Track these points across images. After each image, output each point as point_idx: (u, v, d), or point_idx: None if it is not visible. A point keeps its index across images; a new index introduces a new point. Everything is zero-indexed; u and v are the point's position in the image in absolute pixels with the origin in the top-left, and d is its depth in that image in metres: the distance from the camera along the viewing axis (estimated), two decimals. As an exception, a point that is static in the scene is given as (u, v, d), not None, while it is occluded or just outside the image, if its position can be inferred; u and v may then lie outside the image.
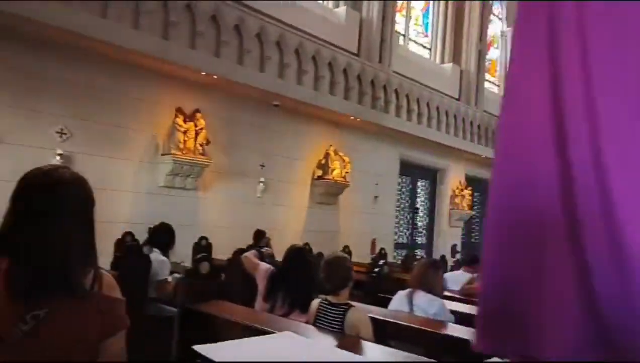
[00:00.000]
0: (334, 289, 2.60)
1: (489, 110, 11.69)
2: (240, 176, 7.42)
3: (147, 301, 3.51)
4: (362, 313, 2.56)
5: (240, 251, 4.72)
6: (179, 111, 6.53)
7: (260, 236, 6.30)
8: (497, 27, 13.27)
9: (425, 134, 9.76)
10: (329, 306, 2.57)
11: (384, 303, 3.39)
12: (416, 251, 11.05)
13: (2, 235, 1.16)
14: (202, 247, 6.04)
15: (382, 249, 8.51)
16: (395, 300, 3.15)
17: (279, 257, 6.81)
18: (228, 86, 6.86)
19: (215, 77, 6.53)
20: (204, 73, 6.40)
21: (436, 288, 3.08)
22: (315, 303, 2.66)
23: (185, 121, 6.49)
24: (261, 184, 7.64)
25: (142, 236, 5.28)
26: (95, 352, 1.17)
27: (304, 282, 3.04)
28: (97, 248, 1.25)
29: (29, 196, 1.18)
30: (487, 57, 12.37)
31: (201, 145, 6.61)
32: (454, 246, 11.51)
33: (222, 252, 6.47)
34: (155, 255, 3.67)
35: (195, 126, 6.55)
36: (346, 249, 8.01)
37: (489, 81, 12.78)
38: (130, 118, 6.23)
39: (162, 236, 3.87)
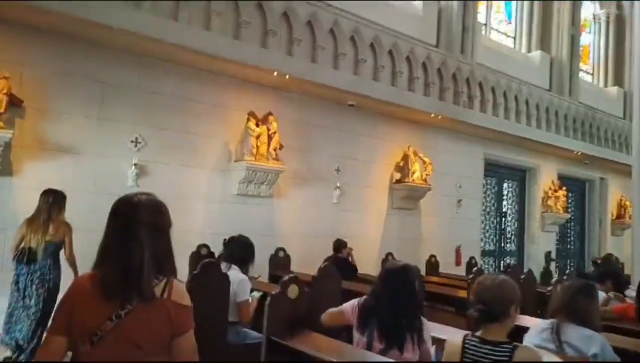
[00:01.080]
0: (491, 319, 1.93)
1: (584, 101, 10.48)
2: (315, 181, 6.99)
3: (228, 325, 3.11)
4: (534, 353, 1.92)
5: (323, 268, 4.25)
6: (251, 114, 6.21)
7: (340, 246, 5.81)
8: (589, 10, 11.95)
9: (513, 130, 8.84)
10: (482, 345, 1.92)
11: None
12: (505, 258, 10.10)
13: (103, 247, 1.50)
14: (280, 259, 5.66)
15: (472, 258, 7.75)
16: (533, 332, 2.47)
17: (363, 269, 6.39)
18: (301, 86, 6.47)
19: (287, 77, 6.15)
20: (275, 73, 6.04)
21: (594, 321, 2.40)
22: (456, 341, 2.06)
23: (257, 125, 6.16)
24: (337, 189, 7.16)
25: (216, 247, 5.00)
26: (167, 347, 1.45)
27: (406, 311, 2.44)
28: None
29: (117, 217, 1.48)
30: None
31: (275, 150, 6.24)
32: (548, 254, 10.39)
33: (300, 264, 6.08)
34: (235, 273, 3.27)
35: (268, 130, 6.20)
36: (432, 258, 7.36)
37: (581, 70, 11.50)
38: (202, 125, 5.99)
39: (241, 251, 3.47)
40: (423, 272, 6.72)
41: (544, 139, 9.37)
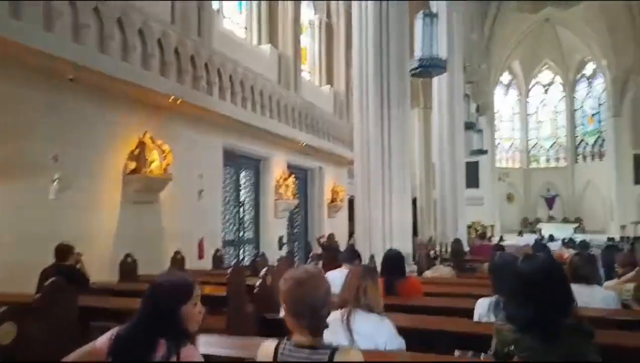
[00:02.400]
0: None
1: (305, 97, 11.57)
2: (24, 173, 5.45)
3: None
4: (356, 353, 1.66)
5: (49, 285, 3.19)
6: None
7: (65, 253, 4.64)
8: (306, 15, 13.27)
9: (250, 119, 8.99)
10: (298, 350, 1.62)
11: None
12: (244, 246, 10.28)
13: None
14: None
15: (217, 250, 7.48)
16: None
17: (96, 276, 5.29)
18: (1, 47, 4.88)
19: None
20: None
21: (378, 305, 2.35)
22: (268, 348, 1.64)
23: None
24: (56, 182, 5.78)
25: None
26: None
27: None
28: None
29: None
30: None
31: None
32: (280, 238, 11.11)
33: (8, 282, 4.62)
34: None
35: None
36: (178, 255, 6.76)
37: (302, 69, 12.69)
38: None
39: None
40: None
41: (275, 129, 9.87)
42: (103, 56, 5.94)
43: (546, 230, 22.87)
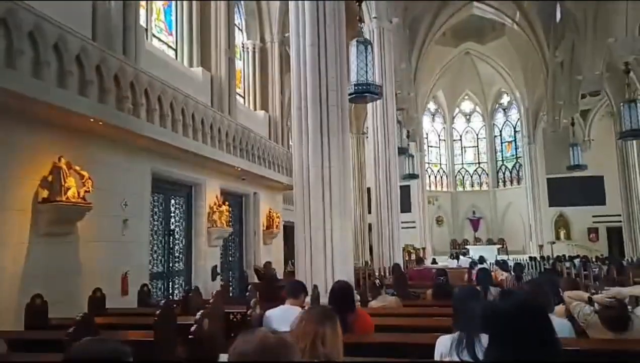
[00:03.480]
0: None
1: (240, 121, 11.22)
2: None
3: None
4: None
5: None
6: None
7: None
8: (239, 38, 13.04)
9: (181, 143, 8.46)
10: None
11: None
12: (174, 279, 9.57)
13: None
14: None
15: (144, 285, 6.83)
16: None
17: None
18: None
19: None
20: None
21: (339, 355, 2.04)
22: None
23: None
24: (-51, 215, 4.98)
25: None
26: None
27: None
28: None
29: None
30: (232, 67, 11.91)
31: None
32: (214, 268, 10.51)
33: None
34: None
35: None
36: (98, 292, 6.05)
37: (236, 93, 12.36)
38: None
39: None
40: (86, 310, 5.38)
41: (209, 154, 9.40)
42: (12, 71, 5.27)
43: (473, 251, 23.81)
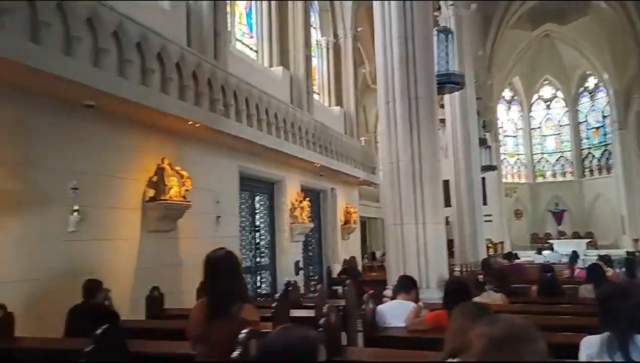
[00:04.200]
0: None
1: (317, 117, 11.38)
2: (41, 205, 5.18)
3: None
4: None
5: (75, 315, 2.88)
6: None
7: (94, 289, 4.33)
8: (313, 36, 13.21)
9: (267, 142, 8.76)
10: None
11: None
12: (261, 273, 9.93)
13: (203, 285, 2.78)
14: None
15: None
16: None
17: (121, 312, 4.97)
18: (16, 72, 4.66)
19: (-6, 59, 4.31)
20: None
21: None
22: None
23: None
24: (75, 213, 5.50)
25: None
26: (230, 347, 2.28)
27: None
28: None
29: (207, 266, 2.76)
30: (308, 65, 12.09)
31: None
32: (297, 263, 10.78)
33: (28, 325, 4.32)
34: None
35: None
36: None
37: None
38: None
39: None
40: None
41: (290, 151, 9.63)
42: (123, 80, 5.72)
43: (557, 246, 22.49)
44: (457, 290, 3.42)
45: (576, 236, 25.17)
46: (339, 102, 13.39)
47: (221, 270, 2.62)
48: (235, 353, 2.21)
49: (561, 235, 25.96)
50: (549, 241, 24.58)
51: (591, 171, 26.86)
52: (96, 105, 5.66)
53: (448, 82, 8.99)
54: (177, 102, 6.58)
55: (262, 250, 10.05)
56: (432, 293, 5.69)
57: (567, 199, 26.90)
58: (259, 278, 9.78)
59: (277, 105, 9.30)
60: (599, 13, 21.01)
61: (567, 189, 27.07)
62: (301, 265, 10.91)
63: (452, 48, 9.15)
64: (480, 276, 5.05)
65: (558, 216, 26.96)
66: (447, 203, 20.27)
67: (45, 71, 4.72)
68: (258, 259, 9.82)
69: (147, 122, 6.57)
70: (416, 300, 3.86)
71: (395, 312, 3.63)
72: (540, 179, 28.27)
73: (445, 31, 9.19)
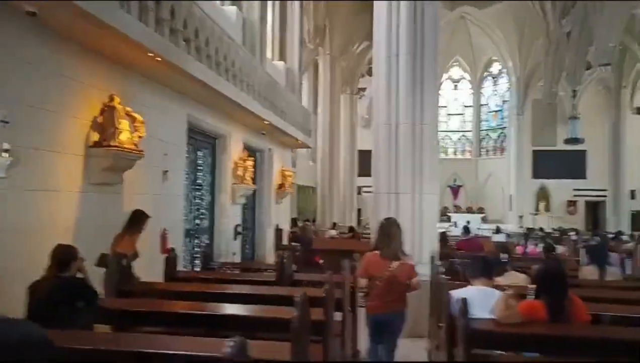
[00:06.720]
0: None
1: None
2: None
3: None
4: None
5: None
6: None
7: (68, 259, 3.20)
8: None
9: (223, 88, 7.60)
10: None
11: None
12: (201, 237, 8.91)
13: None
14: None
15: (171, 249, 6.00)
16: None
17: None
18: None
19: None
20: None
21: None
22: None
23: None
24: (5, 154, 4.13)
25: None
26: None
27: None
28: None
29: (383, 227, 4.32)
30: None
31: None
32: (236, 227, 9.88)
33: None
34: None
35: None
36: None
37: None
38: None
39: None
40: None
41: (245, 103, 8.56)
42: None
43: (456, 218, 24.16)
44: (555, 280, 2.98)
45: (470, 210, 27.27)
46: (282, 57, 12.40)
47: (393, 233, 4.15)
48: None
49: (457, 209, 27.94)
50: (447, 214, 26.28)
51: (487, 152, 29.05)
52: (39, 13, 4.24)
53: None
54: (139, 24, 5.26)
55: (202, 211, 8.99)
56: (426, 269, 5.36)
57: (464, 176, 28.89)
58: (197, 241, 8.74)
59: (236, 50, 8.15)
60: (515, 3, 22.17)
61: (464, 167, 29.04)
62: (240, 229, 10.04)
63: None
64: (504, 256, 4.74)
65: (454, 191, 28.94)
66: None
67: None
68: (198, 221, 8.76)
69: (97, 47, 5.19)
70: (494, 286, 3.38)
71: (479, 301, 3.06)
72: (442, 156, 29.91)
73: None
